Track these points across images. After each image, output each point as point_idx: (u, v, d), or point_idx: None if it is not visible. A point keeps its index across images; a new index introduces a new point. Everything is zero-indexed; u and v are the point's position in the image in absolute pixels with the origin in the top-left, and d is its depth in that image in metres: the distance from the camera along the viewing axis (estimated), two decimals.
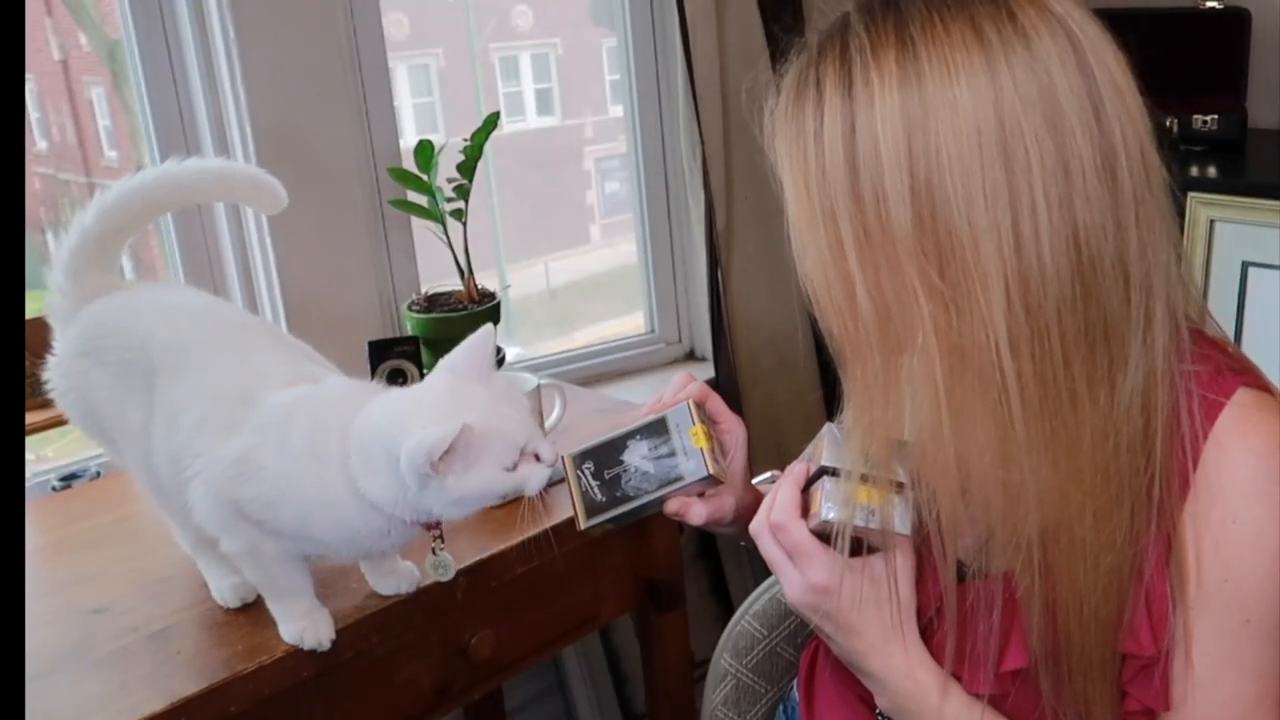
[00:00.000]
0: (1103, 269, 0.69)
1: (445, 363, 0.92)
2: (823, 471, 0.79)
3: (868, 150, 0.69)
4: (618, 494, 0.89)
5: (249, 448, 0.91)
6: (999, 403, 0.71)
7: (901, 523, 0.77)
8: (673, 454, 0.89)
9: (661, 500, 0.89)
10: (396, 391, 0.94)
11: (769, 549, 0.82)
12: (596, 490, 0.89)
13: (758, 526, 0.82)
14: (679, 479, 0.88)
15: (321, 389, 0.96)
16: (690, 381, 0.94)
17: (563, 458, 0.93)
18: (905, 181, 0.68)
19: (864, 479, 0.77)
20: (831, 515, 0.77)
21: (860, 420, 0.77)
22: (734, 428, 0.95)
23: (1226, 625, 0.74)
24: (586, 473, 0.90)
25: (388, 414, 0.90)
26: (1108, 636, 0.75)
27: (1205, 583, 0.74)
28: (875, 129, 0.69)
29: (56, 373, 1.03)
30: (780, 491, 0.82)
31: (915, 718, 0.82)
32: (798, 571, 0.80)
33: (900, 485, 0.78)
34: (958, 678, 0.82)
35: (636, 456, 0.90)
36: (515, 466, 0.88)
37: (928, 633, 0.84)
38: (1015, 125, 0.67)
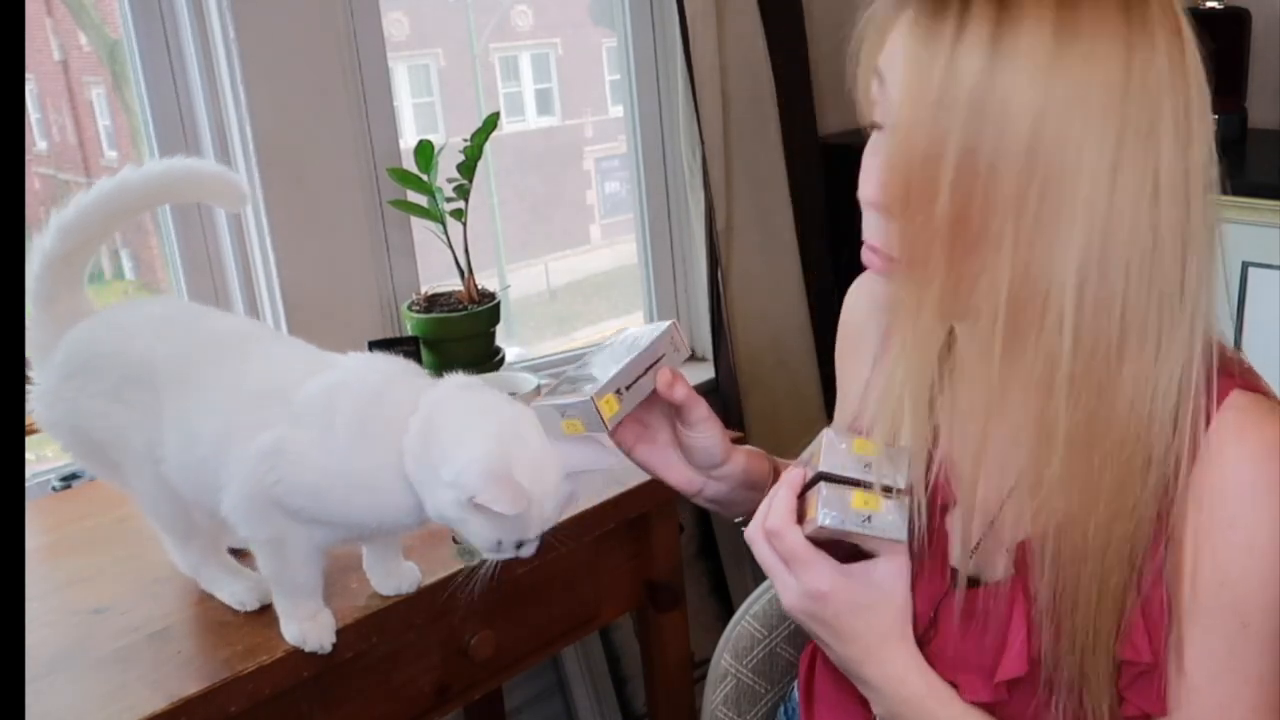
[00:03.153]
0: (1168, 252, 0.70)
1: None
2: (820, 477, 0.79)
3: (1007, 78, 0.68)
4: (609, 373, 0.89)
5: (287, 438, 0.91)
6: (1054, 348, 0.71)
7: (898, 529, 0.77)
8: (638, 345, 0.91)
9: (650, 366, 0.89)
10: (489, 395, 0.94)
11: (764, 555, 0.81)
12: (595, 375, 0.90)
13: (753, 532, 0.82)
14: (648, 346, 0.89)
15: (355, 371, 0.96)
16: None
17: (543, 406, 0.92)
18: (1030, 121, 0.67)
19: (860, 485, 0.77)
20: (828, 521, 0.76)
21: (907, 329, 0.77)
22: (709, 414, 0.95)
23: (1224, 630, 0.74)
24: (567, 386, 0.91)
25: (474, 413, 0.90)
26: (1106, 643, 0.75)
27: (1202, 588, 0.74)
28: (1020, 62, 0.67)
29: (43, 403, 1.01)
30: (776, 497, 0.81)
31: None
32: (793, 578, 0.80)
33: (897, 491, 0.78)
34: (955, 685, 0.82)
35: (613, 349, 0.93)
36: (502, 544, 0.90)
37: (925, 640, 0.84)
38: (1141, 97, 0.68)
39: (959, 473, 0.86)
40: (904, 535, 0.78)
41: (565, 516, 0.94)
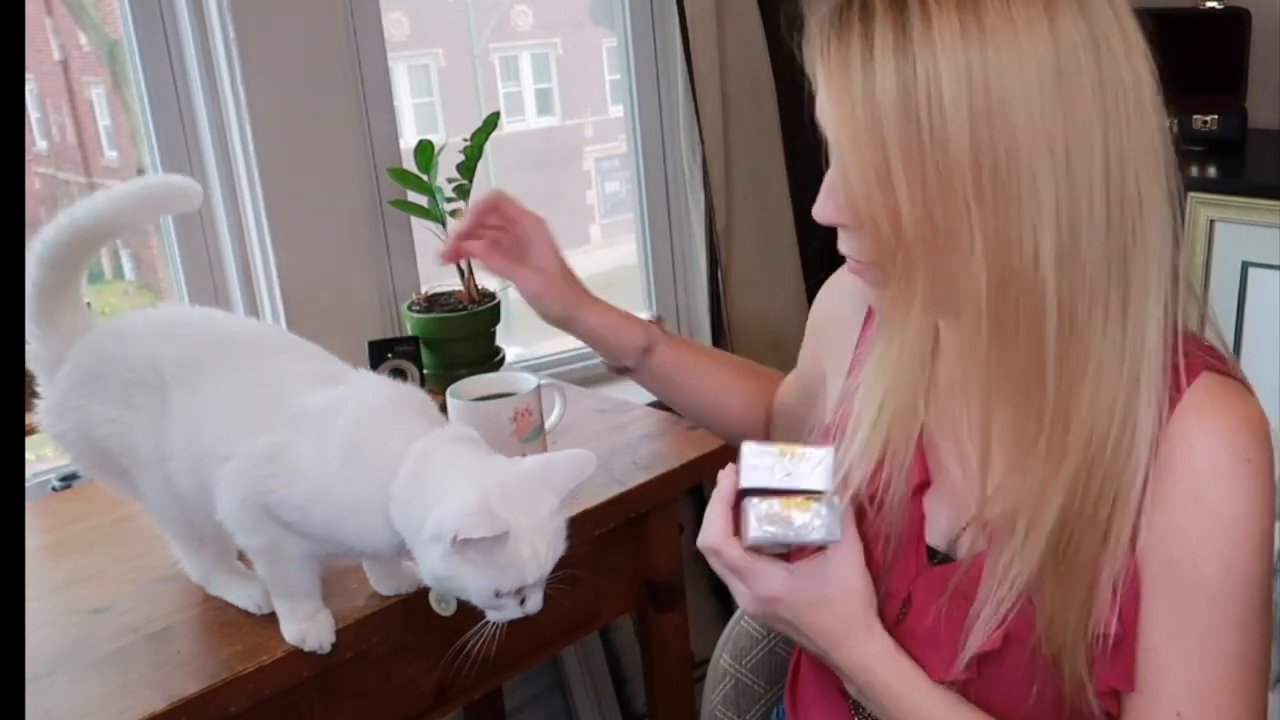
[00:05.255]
0: (1129, 195, 0.71)
1: (543, 459, 0.93)
2: (745, 493, 0.79)
3: (925, 65, 0.69)
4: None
5: (283, 446, 0.91)
6: (1040, 335, 0.73)
7: (831, 530, 0.78)
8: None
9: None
10: (467, 449, 0.93)
11: (715, 566, 0.84)
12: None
13: (700, 548, 0.84)
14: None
15: (359, 393, 0.96)
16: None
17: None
18: (964, 98, 0.68)
19: (785, 494, 0.78)
20: (760, 536, 0.78)
21: (891, 350, 0.79)
22: (533, 223, 1.09)
23: (1191, 607, 0.75)
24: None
25: (454, 469, 0.89)
26: (1080, 618, 0.76)
27: (1169, 565, 0.75)
28: (932, 45, 0.69)
29: (51, 415, 1.01)
30: (711, 515, 0.82)
31: (882, 704, 0.83)
32: (745, 585, 0.82)
33: (820, 494, 0.78)
34: (928, 664, 0.82)
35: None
36: (500, 595, 0.88)
37: (899, 618, 0.85)
38: (1070, 45, 0.69)
39: (936, 453, 0.86)
40: (838, 534, 0.78)
41: (570, 513, 0.94)
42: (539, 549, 0.88)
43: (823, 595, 0.81)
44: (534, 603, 0.91)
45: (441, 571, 0.87)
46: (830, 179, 0.78)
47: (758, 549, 0.81)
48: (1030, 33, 0.68)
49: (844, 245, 0.81)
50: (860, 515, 0.85)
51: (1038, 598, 0.77)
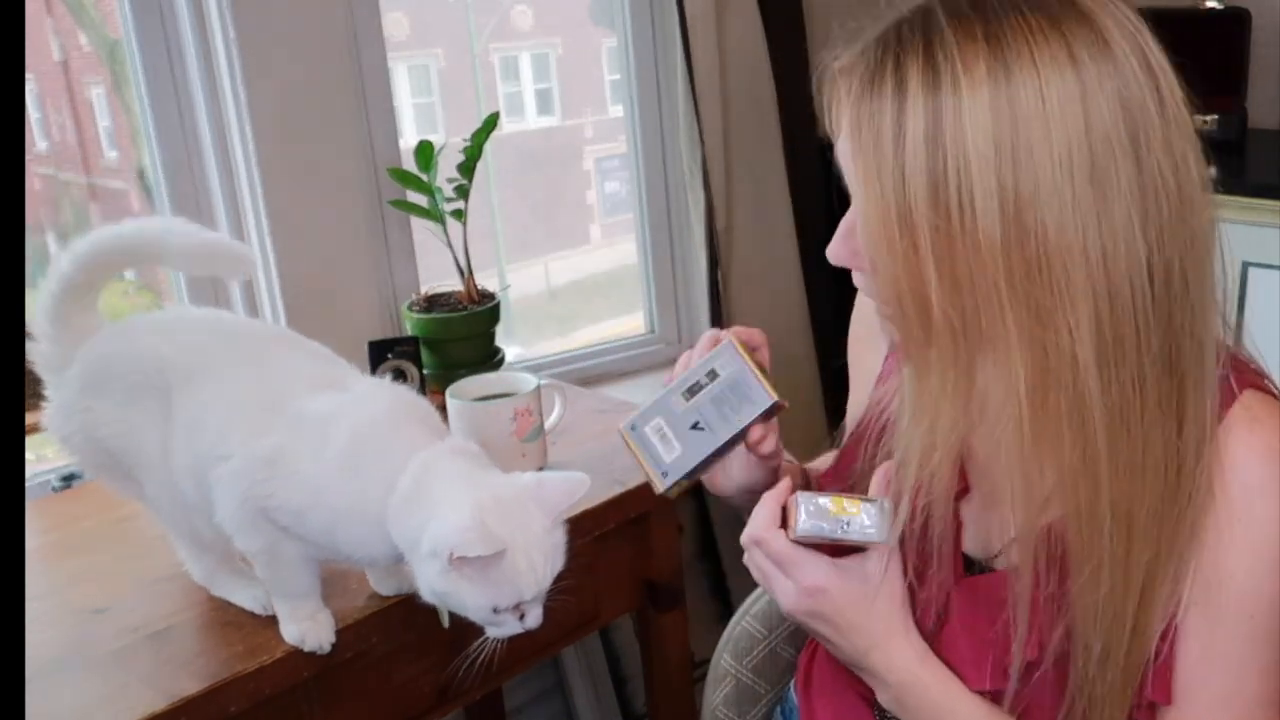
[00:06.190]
0: (1174, 288, 0.69)
1: (537, 477, 0.92)
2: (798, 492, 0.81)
3: (956, 157, 0.67)
4: (694, 443, 0.87)
5: (282, 449, 0.91)
6: (1083, 427, 0.71)
7: (878, 532, 0.78)
8: (733, 392, 0.88)
9: (737, 438, 0.87)
10: (466, 463, 0.92)
11: (757, 561, 0.83)
12: (675, 443, 0.88)
13: (743, 542, 0.83)
14: (748, 413, 0.86)
15: (361, 399, 0.96)
16: (717, 341, 0.92)
17: (621, 432, 0.89)
18: (994, 194, 0.66)
19: (837, 493, 0.79)
20: (808, 528, 0.78)
21: (919, 431, 0.77)
22: None
23: (1230, 622, 0.75)
24: (654, 433, 0.88)
25: (451, 484, 0.89)
26: (1119, 633, 0.76)
27: (1209, 581, 0.75)
28: (964, 137, 0.66)
29: (59, 417, 1.01)
30: (761, 506, 0.83)
31: (918, 712, 0.82)
32: (789, 580, 0.81)
33: (869, 498, 0.80)
34: (964, 673, 0.82)
35: (703, 402, 0.89)
36: (498, 611, 0.88)
37: (936, 628, 0.84)
38: (1105, 142, 0.67)
39: (975, 460, 0.86)
40: (884, 537, 0.79)
41: (570, 513, 0.94)
42: (536, 564, 0.88)
43: (865, 592, 0.81)
44: (533, 618, 0.91)
45: (439, 587, 0.87)
46: (849, 221, 0.76)
47: (803, 544, 0.81)
48: (1064, 128, 0.66)
49: (861, 285, 0.80)
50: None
51: (1079, 612, 0.76)
